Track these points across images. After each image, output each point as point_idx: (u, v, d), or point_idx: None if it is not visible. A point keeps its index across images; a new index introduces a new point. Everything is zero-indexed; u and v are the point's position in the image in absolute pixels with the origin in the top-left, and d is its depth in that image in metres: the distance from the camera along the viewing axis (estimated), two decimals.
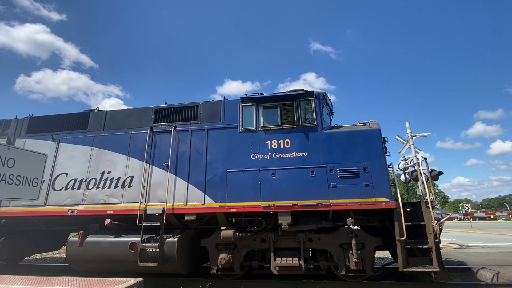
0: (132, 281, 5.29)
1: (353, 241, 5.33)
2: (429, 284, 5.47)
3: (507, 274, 5.98)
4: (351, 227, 5.54)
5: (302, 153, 5.83)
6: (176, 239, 5.68)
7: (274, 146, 5.98)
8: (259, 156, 5.96)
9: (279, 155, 5.90)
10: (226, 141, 6.22)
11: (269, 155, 5.93)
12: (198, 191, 5.94)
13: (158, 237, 5.66)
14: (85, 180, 6.41)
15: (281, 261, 5.48)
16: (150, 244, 5.64)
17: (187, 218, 5.86)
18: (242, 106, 6.43)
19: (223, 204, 5.77)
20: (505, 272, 6.08)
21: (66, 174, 6.53)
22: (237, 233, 5.68)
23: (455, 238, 16.07)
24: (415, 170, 6.61)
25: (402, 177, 7.72)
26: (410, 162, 8.42)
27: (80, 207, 6.23)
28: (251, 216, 5.94)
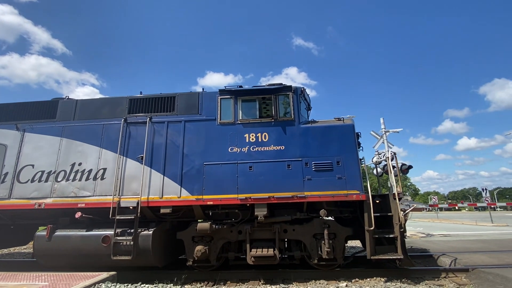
0: (104, 275, 5.21)
1: (326, 232, 5.56)
2: (394, 270, 5.84)
3: (464, 260, 6.53)
4: (324, 218, 5.76)
5: (279, 147, 5.93)
6: (151, 232, 5.61)
7: (252, 139, 6.03)
8: (237, 149, 5.98)
9: (256, 148, 5.96)
10: (203, 134, 6.17)
11: (247, 148, 5.97)
12: (174, 184, 5.88)
13: (132, 230, 5.56)
14: (54, 172, 6.10)
15: (256, 251, 5.60)
16: (124, 238, 5.53)
17: (162, 211, 5.80)
18: (221, 98, 6.38)
19: (200, 196, 5.76)
20: (462, 258, 6.63)
21: (33, 165, 6.19)
22: (214, 226, 5.71)
23: (422, 228, 17.20)
24: (386, 164, 6.95)
25: (376, 171, 8.10)
26: (383, 156, 8.84)
27: (49, 200, 5.95)
28: (228, 209, 5.99)
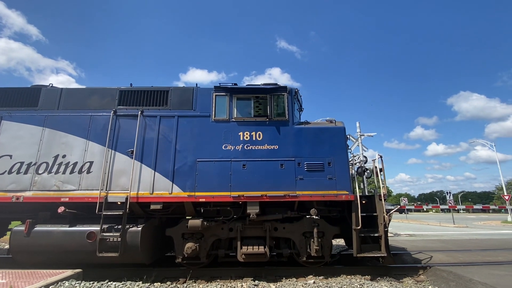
0: (69, 272, 5.01)
1: (315, 230, 5.73)
2: (376, 268, 6.15)
3: (424, 258, 7.07)
4: (314, 217, 5.93)
5: (273, 146, 6.00)
6: (140, 228, 5.46)
7: (246, 137, 6.05)
8: (231, 147, 5.98)
9: (251, 147, 5.99)
10: (197, 130, 6.09)
11: (241, 146, 5.99)
12: (166, 180, 5.76)
13: (119, 227, 5.39)
14: (34, 164, 5.73)
15: (247, 249, 5.66)
16: (111, 234, 5.33)
17: (153, 207, 5.67)
18: (216, 95, 6.33)
19: (192, 193, 5.69)
20: (422, 257, 7.17)
21: (10, 156, 5.76)
22: (205, 223, 5.68)
23: (392, 228, 18.19)
24: (360, 167, 7.15)
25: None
26: (358, 158, 9.15)
27: (28, 194, 5.58)
28: (220, 206, 5.98)
